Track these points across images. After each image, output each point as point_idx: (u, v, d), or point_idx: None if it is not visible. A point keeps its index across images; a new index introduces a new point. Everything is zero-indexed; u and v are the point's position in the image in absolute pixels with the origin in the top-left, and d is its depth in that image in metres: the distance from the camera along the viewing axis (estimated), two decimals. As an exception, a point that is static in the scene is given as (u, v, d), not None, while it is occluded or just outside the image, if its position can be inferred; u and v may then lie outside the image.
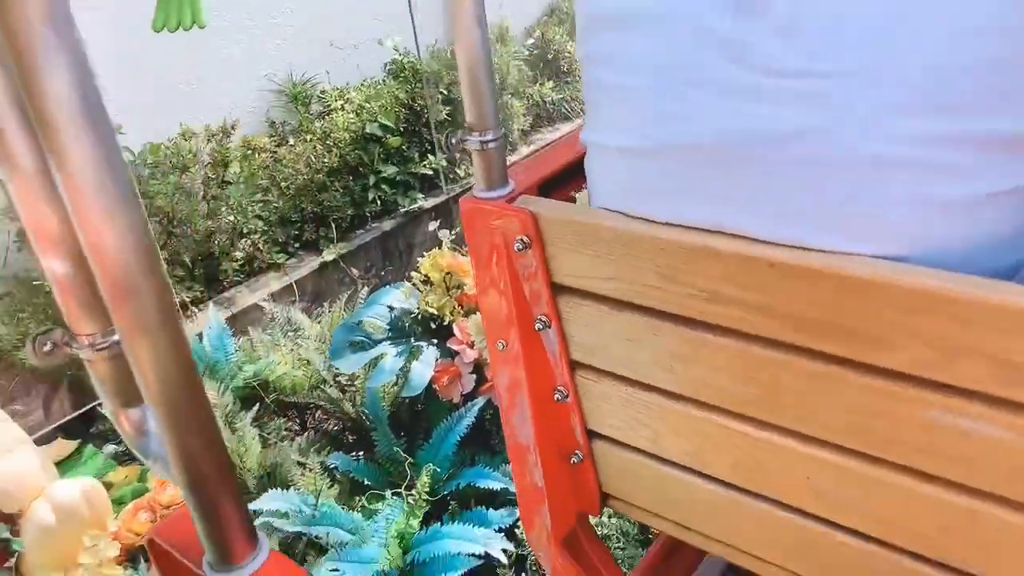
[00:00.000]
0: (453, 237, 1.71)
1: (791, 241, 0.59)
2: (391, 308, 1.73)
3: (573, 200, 0.92)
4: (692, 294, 0.67)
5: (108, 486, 1.59)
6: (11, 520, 1.38)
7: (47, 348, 0.52)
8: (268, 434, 1.83)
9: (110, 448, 1.86)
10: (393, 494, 1.59)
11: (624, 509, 1.00)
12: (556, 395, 0.92)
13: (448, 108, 2.75)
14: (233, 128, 2.40)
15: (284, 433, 1.86)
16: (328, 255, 2.51)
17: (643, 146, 0.65)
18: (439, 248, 1.70)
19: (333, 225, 2.53)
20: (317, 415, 2.01)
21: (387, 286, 1.80)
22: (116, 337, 0.52)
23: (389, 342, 1.69)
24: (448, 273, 1.71)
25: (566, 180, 0.91)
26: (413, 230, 2.77)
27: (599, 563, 1.07)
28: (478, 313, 1.66)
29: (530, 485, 1.03)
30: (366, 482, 1.64)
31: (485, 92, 0.81)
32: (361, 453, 1.74)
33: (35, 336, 0.52)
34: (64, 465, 1.73)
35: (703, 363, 0.71)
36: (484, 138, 0.81)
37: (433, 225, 1.88)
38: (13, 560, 1.37)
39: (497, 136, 0.82)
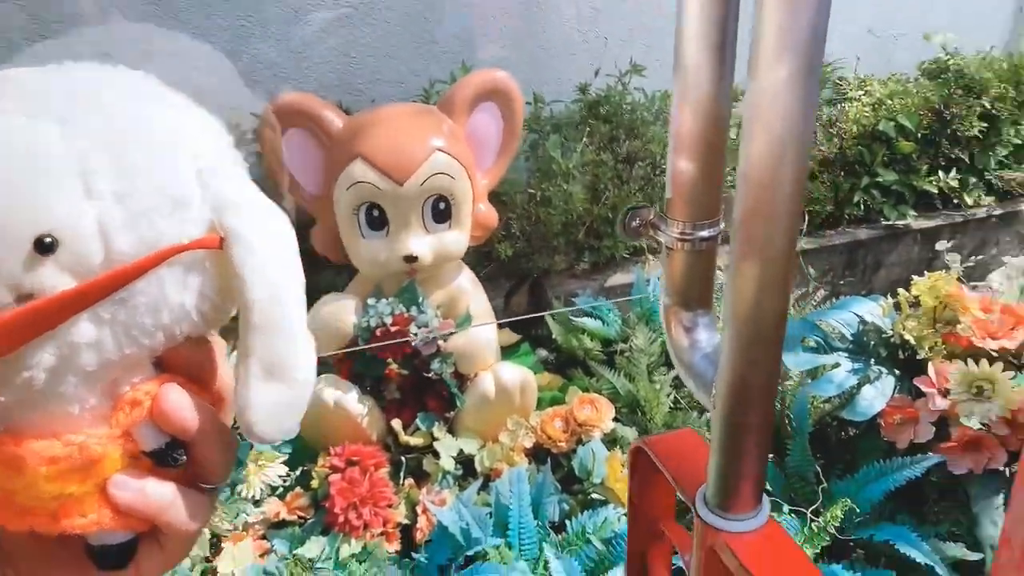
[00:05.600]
0: (967, 266, 1.44)
1: None
2: (861, 319, 1.55)
3: None
4: None
5: (534, 385, 1.71)
6: (462, 380, 1.57)
7: (635, 223, 0.51)
8: (681, 398, 1.81)
9: (542, 353, 2.02)
10: (792, 511, 1.44)
11: None
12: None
13: (986, 124, 2.35)
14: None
15: (696, 403, 1.82)
16: (788, 246, 2.36)
17: None
18: (945, 272, 1.46)
19: (806, 216, 2.37)
20: (729, 399, 1.93)
21: (862, 295, 1.61)
22: (704, 233, 0.49)
23: (847, 355, 1.52)
24: (944, 304, 1.46)
25: None
26: (889, 247, 2.48)
27: None
28: (967, 361, 1.39)
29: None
30: (768, 487, 1.52)
31: None
32: (769, 455, 1.62)
33: (628, 209, 0.51)
34: (503, 353, 1.91)
35: None
36: None
37: (943, 244, 1.63)
38: (452, 413, 1.55)
39: None
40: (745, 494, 0.48)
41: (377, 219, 1.45)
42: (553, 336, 1.99)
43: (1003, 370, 1.36)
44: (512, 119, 1.54)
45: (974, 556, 1.36)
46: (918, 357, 1.47)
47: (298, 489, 1.49)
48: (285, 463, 1.48)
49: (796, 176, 0.38)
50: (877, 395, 1.46)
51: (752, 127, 0.38)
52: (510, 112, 1.54)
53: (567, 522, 1.41)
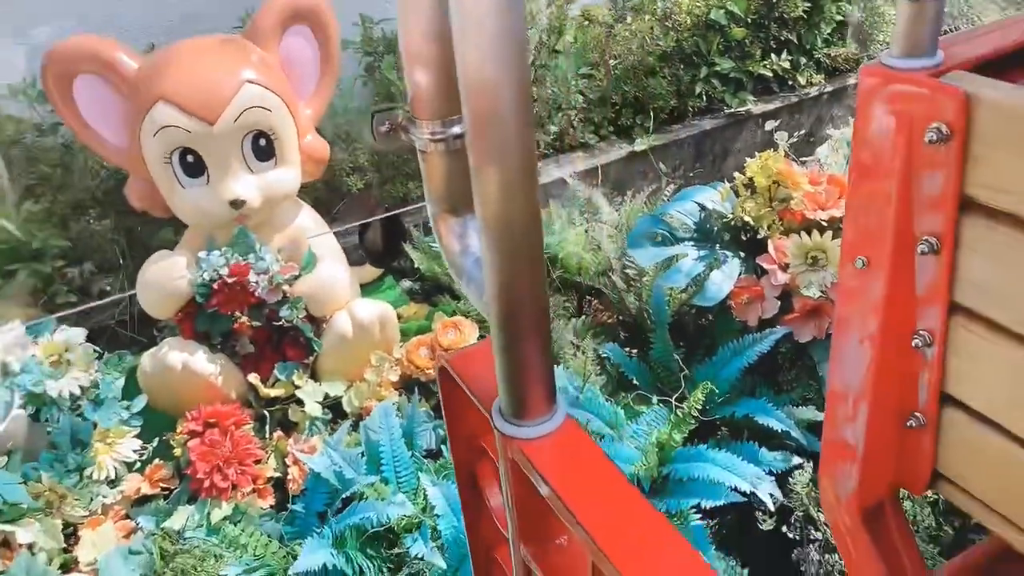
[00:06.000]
0: (798, 142, 1.49)
1: None
2: (702, 207, 1.58)
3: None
4: None
5: (399, 317, 1.67)
6: (317, 323, 1.51)
7: (384, 128, 0.47)
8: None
9: (406, 284, 1.97)
10: (660, 401, 1.49)
11: (957, 498, 0.79)
12: (915, 341, 0.73)
13: (808, 4, 2.42)
14: (576, -6, 2.32)
15: (561, 312, 1.84)
16: (639, 145, 2.39)
17: None
18: (773, 151, 1.50)
19: (652, 114, 2.39)
20: (596, 302, 1.96)
21: (702, 185, 1.64)
22: (456, 130, 0.46)
23: (692, 244, 1.55)
24: (776, 182, 1.50)
25: (1015, 66, 0.68)
26: (734, 134, 2.55)
27: (901, 547, 0.88)
28: (800, 234, 1.45)
29: (838, 439, 0.86)
30: (635, 381, 1.56)
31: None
32: (634, 351, 1.66)
33: (375, 112, 0.47)
34: (366, 289, 1.86)
35: None
36: (925, -15, 0.61)
37: (771, 124, 1.67)
38: (312, 358, 1.50)
39: (943, -13, 0.62)
40: (535, 399, 0.47)
41: (194, 165, 1.34)
42: (416, 265, 1.95)
43: (833, 238, 1.43)
44: (327, 40, 1.44)
45: (823, 416, 1.46)
46: (759, 236, 1.53)
47: (158, 461, 1.41)
48: (138, 436, 1.40)
49: (519, 77, 0.35)
50: (725, 278, 1.51)
51: (462, 35, 0.34)
52: (323, 33, 1.43)
53: (443, 447, 1.40)
